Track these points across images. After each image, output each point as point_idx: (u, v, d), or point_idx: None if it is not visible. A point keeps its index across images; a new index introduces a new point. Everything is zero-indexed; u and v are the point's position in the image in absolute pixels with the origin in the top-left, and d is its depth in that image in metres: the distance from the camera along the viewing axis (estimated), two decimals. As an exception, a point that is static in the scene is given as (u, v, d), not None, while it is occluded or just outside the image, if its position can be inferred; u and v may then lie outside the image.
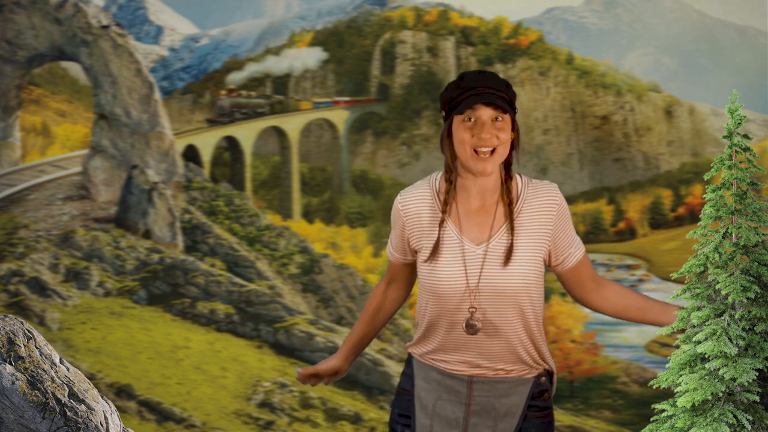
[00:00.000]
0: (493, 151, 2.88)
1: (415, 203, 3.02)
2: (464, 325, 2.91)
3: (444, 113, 2.99)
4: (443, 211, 2.95)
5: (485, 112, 2.88)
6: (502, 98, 2.88)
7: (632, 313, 3.05)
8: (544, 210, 2.95)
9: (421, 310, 3.03)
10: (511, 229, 2.91)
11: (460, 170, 2.97)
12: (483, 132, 2.87)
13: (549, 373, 3.07)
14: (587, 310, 57.38)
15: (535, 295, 2.94)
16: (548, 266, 3.03)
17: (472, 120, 2.89)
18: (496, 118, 2.88)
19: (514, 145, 2.94)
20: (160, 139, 48.37)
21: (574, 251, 3.00)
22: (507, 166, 2.98)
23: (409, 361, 3.08)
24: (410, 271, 3.13)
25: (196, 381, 36.37)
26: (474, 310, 2.90)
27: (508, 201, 2.94)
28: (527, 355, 2.98)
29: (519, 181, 3.00)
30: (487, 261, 2.90)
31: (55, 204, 47.31)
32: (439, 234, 2.94)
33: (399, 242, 3.07)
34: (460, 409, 2.96)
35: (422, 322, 3.02)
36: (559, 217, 2.96)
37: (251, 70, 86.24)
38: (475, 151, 2.88)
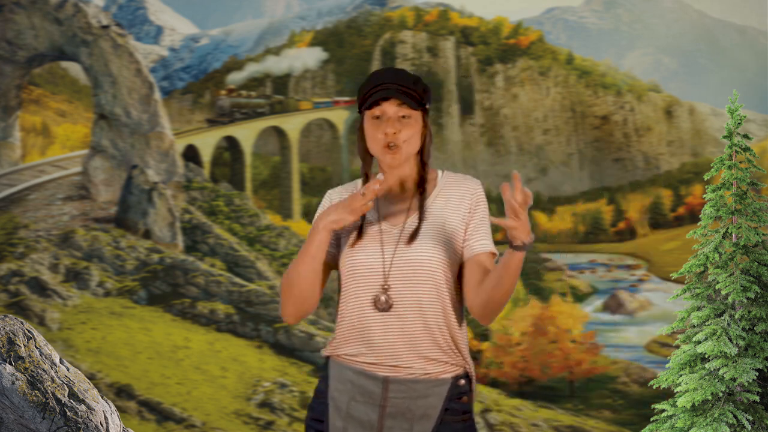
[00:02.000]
0: (398, 150, 2.96)
1: (340, 196, 3.10)
2: (375, 300, 2.93)
3: (359, 111, 3.05)
4: None
5: (390, 108, 2.96)
6: (409, 94, 2.95)
7: (482, 296, 2.95)
8: (463, 197, 3.02)
9: (341, 305, 3.03)
10: (421, 211, 2.98)
11: (380, 161, 3.05)
12: (388, 127, 2.95)
13: (468, 377, 3.03)
14: (587, 310, 57.38)
15: (450, 278, 2.97)
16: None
17: (380, 116, 2.97)
18: (403, 116, 2.96)
19: (425, 140, 3.02)
20: (160, 139, 48.36)
21: (475, 243, 3.00)
22: (423, 157, 3.04)
23: (325, 364, 3.07)
24: (326, 273, 3.10)
25: (196, 381, 36.35)
26: (387, 287, 2.93)
27: (422, 188, 3.02)
28: (443, 340, 2.96)
29: (439, 173, 3.08)
30: (402, 240, 2.96)
31: (55, 204, 47.30)
32: (362, 222, 3.00)
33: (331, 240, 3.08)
34: (375, 411, 2.93)
35: (343, 316, 3.02)
36: (475, 206, 3.02)
37: (251, 70, 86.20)
38: (384, 148, 2.96)
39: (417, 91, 2.97)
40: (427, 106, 3.01)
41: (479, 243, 2.99)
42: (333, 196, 3.11)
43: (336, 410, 2.97)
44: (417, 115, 2.98)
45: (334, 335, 3.05)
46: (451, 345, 2.97)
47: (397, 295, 2.93)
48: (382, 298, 2.92)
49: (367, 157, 3.06)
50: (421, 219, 2.98)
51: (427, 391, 2.93)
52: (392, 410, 2.92)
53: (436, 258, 2.94)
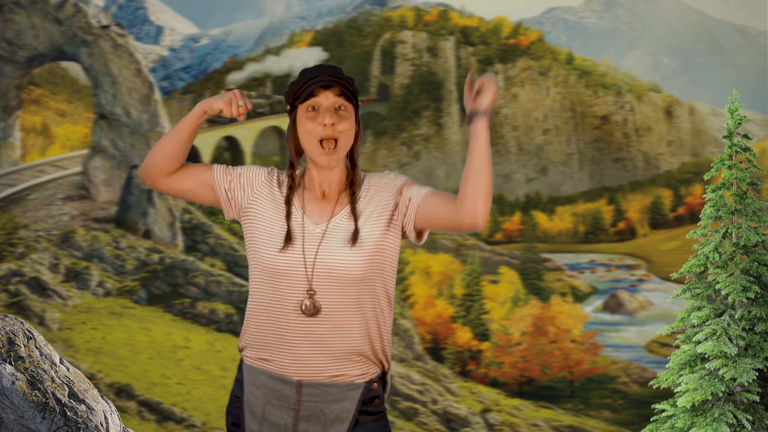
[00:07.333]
0: (335, 146, 2.89)
1: (275, 181, 3.01)
2: (302, 305, 2.89)
3: (288, 108, 2.97)
4: (288, 202, 2.95)
5: (327, 99, 2.89)
6: (344, 86, 2.89)
7: (467, 187, 2.85)
8: (382, 189, 2.97)
9: (254, 303, 2.99)
10: (353, 212, 2.92)
11: (308, 161, 2.96)
12: (326, 118, 2.87)
13: (382, 377, 3.02)
14: (587, 310, 57.39)
15: (380, 281, 2.94)
16: (416, 229, 2.95)
17: (315, 109, 2.90)
18: (339, 107, 2.90)
19: (357, 138, 2.95)
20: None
21: (414, 194, 2.93)
22: (352, 157, 2.98)
23: (240, 366, 3.05)
24: (200, 185, 3.01)
25: (196, 381, 36.36)
26: (313, 292, 2.89)
27: (351, 189, 2.95)
28: (369, 346, 2.95)
29: (362, 174, 3.01)
30: (325, 240, 2.90)
31: (55, 204, 47.30)
32: (289, 225, 2.93)
33: (235, 177, 3.02)
34: (289, 414, 2.94)
35: (257, 316, 2.98)
36: (394, 186, 2.96)
37: (251, 70, 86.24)
38: (321, 144, 2.88)
39: (351, 85, 2.92)
40: (359, 105, 2.95)
41: (420, 193, 2.92)
42: (277, 171, 3.02)
43: (251, 414, 2.98)
44: (351, 108, 2.92)
45: (248, 336, 3.00)
46: (369, 346, 2.95)
47: (322, 300, 2.89)
48: (308, 303, 2.89)
49: (295, 159, 2.97)
50: (354, 219, 2.92)
51: (341, 395, 2.93)
52: (306, 413, 2.93)
53: (365, 263, 2.90)
